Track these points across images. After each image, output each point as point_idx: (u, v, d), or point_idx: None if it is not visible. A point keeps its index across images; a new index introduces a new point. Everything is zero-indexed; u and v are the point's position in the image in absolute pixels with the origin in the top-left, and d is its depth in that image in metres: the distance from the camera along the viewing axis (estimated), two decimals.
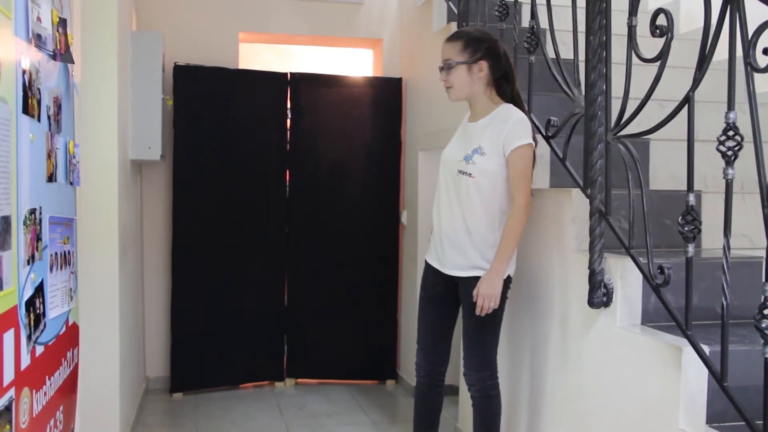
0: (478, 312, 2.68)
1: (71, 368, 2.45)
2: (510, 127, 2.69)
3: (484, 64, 2.76)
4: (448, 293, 2.89)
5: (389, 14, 5.09)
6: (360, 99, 4.90)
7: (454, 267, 2.81)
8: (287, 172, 4.80)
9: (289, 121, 4.80)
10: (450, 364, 3.02)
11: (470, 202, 2.74)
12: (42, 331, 2.00)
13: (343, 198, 4.89)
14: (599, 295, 2.39)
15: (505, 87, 2.83)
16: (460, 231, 2.77)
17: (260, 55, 6.23)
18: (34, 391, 1.90)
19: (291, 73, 4.82)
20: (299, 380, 4.92)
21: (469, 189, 2.73)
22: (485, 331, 2.80)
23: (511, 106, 2.79)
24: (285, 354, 4.85)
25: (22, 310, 1.80)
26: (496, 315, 2.79)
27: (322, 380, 4.94)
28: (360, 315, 4.91)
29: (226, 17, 4.80)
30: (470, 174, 2.72)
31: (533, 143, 2.72)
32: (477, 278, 2.74)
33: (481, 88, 2.80)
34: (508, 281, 2.79)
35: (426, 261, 2.97)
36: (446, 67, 2.79)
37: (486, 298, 2.67)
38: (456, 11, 3.63)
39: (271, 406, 4.41)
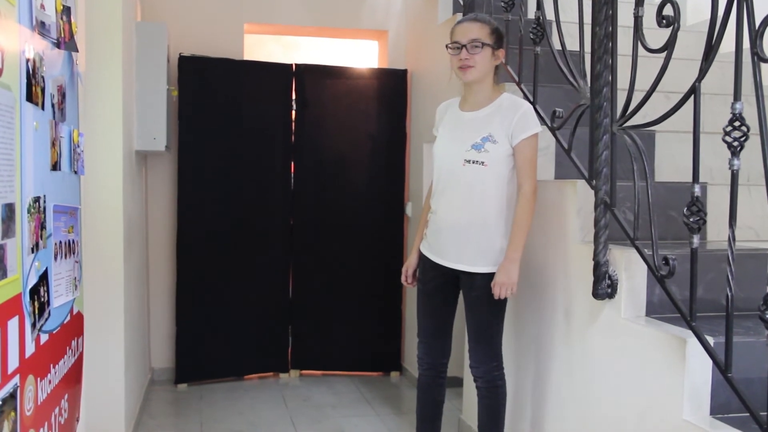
0: (496, 297, 2.70)
1: (76, 357, 2.45)
2: (520, 116, 2.71)
3: (502, 53, 2.81)
4: (446, 285, 2.88)
5: (395, 6, 5.07)
6: (365, 90, 4.88)
7: (458, 261, 2.80)
8: (292, 163, 4.80)
9: (294, 112, 4.79)
10: (453, 355, 3.02)
11: (484, 191, 2.73)
12: (46, 319, 2.00)
13: (348, 190, 4.88)
14: (604, 286, 2.38)
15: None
16: (474, 222, 2.75)
17: (265, 47, 6.23)
18: (38, 379, 1.91)
19: (296, 65, 4.81)
20: (304, 372, 4.93)
21: (483, 178, 2.72)
22: (490, 324, 2.80)
23: (512, 95, 2.81)
24: (290, 345, 4.86)
25: (27, 298, 1.81)
26: (500, 307, 2.80)
27: (326, 372, 4.95)
28: (365, 307, 4.91)
29: (231, 8, 4.79)
30: (483, 162, 2.72)
31: (539, 131, 2.75)
32: (483, 275, 2.74)
33: (492, 74, 2.82)
34: None
35: (422, 254, 2.95)
36: (474, 45, 2.72)
37: (504, 287, 2.68)
38: (462, 2, 3.61)
39: (276, 398, 4.41)
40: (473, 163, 2.73)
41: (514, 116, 2.70)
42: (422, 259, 2.95)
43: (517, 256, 2.69)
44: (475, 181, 2.74)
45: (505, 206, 2.75)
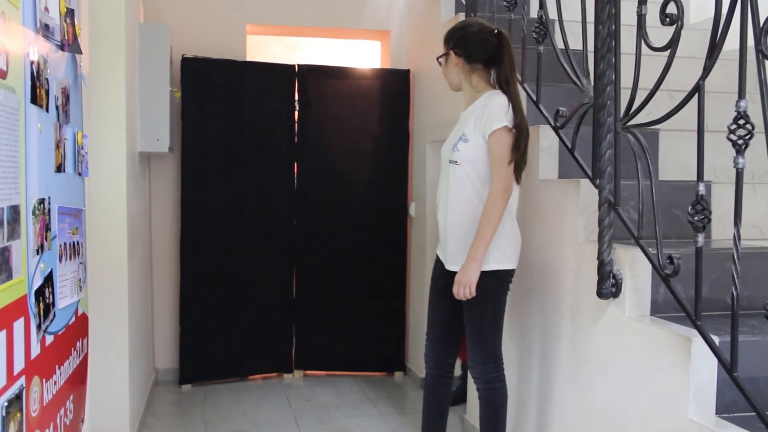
0: (455, 296, 2.70)
1: (81, 358, 2.46)
2: (488, 111, 2.68)
3: (452, 54, 2.83)
4: (452, 285, 2.87)
5: (397, 5, 5.07)
6: (368, 91, 4.89)
7: (452, 262, 2.81)
8: (295, 164, 4.80)
9: (296, 113, 4.79)
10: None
11: (463, 191, 2.73)
12: (51, 320, 2.00)
13: (351, 190, 4.88)
14: (608, 285, 2.38)
15: (497, 70, 2.82)
16: (455, 221, 2.76)
17: (268, 47, 6.23)
18: (44, 380, 1.91)
19: (299, 65, 4.82)
20: (307, 372, 4.93)
21: (459, 177, 2.74)
22: (486, 325, 2.78)
23: (496, 92, 2.77)
24: (293, 346, 4.86)
25: (32, 300, 1.81)
26: (496, 308, 2.78)
27: (330, 372, 4.95)
28: (368, 307, 4.91)
29: (233, 9, 4.79)
30: (457, 162, 2.74)
31: (510, 126, 2.66)
32: None
33: (462, 77, 2.84)
34: (508, 275, 2.78)
35: (437, 252, 2.98)
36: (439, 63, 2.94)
37: (460, 285, 2.66)
38: (464, 2, 3.61)
39: (280, 398, 4.42)
40: (452, 163, 2.77)
41: (484, 113, 2.69)
42: (436, 257, 2.99)
43: (477, 255, 2.65)
44: (454, 181, 2.76)
45: None
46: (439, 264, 2.93)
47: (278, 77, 4.75)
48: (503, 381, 2.84)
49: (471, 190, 2.73)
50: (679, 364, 2.06)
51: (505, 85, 2.76)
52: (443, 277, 2.89)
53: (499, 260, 2.73)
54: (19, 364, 1.68)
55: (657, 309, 2.36)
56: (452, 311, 2.92)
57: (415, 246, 4.87)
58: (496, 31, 2.80)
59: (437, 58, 2.92)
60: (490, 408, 2.85)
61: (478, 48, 2.79)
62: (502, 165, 2.67)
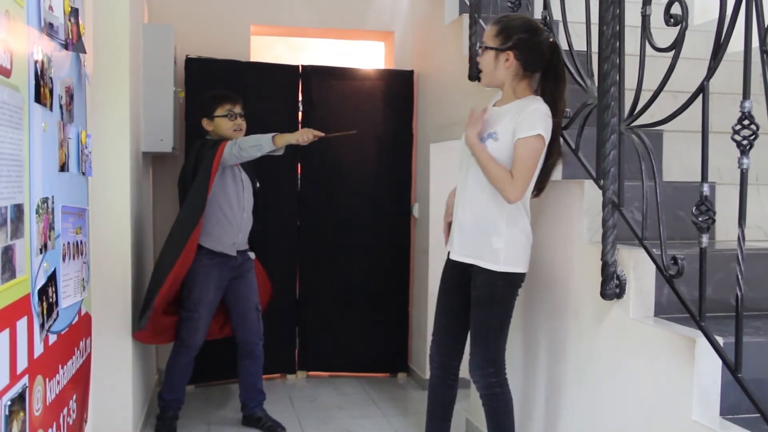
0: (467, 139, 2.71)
1: (84, 358, 2.46)
2: (526, 114, 2.61)
3: (510, 54, 2.66)
4: (462, 286, 2.84)
5: (401, 6, 5.07)
6: (372, 92, 4.88)
7: (458, 252, 2.79)
8: (298, 165, 4.80)
9: (300, 113, 4.79)
10: (464, 357, 3.01)
11: (482, 188, 2.70)
12: (55, 320, 2.00)
13: (354, 191, 4.88)
14: (612, 286, 2.37)
15: (547, 86, 2.73)
16: (475, 218, 2.73)
17: (272, 48, 6.23)
18: (47, 379, 1.91)
19: (302, 66, 4.82)
20: (310, 373, 4.93)
21: (481, 175, 2.70)
22: (490, 328, 2.75)
23: (537, 98, 2.70)
24: (296, 347, 4.86)
25: (35, 299, 1.81)
26: (502, 312, 2.74)
27: (333, 373, 4.94)
28: (371, 308, 4.91)
29: (237, 10, 4.80)
30: None
31: (545, 136, 2.62)
32: (485, 275, 2.70)
33: (508, 78, 2.71)
34: (519, 279, 2.76)
35: (448, 252, 2.94)
36: (478, 48, 2.77)
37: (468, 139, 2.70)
38: (468, 3, 3.61)
39: (283, 399, 4.41)
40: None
41: (522, 114, 2.62)
42: (447, 256, 2.93)
43: (477, 150, 2.66)
44: (475, 177, 2.72)
45: (505, 205, 2.67)
46: (449, 264, 2.90)
47: (282, 78, 4.75)
48: (504, 386, 2.80)
49: (492, 188, 2.67)
50: (683, 366, 2.05)
51: (559, 102, 2.70)
52: (453, 278, 2.87)
53: (511, 262, 2.69)
54: (22, 364, 1.69)
55: (661, 310, 2.35)
56: (460, 314, 2.89)
57: (418, 246, 4.86)
58: (551, 40, 2.75)
59: (483, 47, 2.72)
60: (491, 413, 2.82)
61: (539, 59, 2.69)
62: (525, 169, 2.60)
